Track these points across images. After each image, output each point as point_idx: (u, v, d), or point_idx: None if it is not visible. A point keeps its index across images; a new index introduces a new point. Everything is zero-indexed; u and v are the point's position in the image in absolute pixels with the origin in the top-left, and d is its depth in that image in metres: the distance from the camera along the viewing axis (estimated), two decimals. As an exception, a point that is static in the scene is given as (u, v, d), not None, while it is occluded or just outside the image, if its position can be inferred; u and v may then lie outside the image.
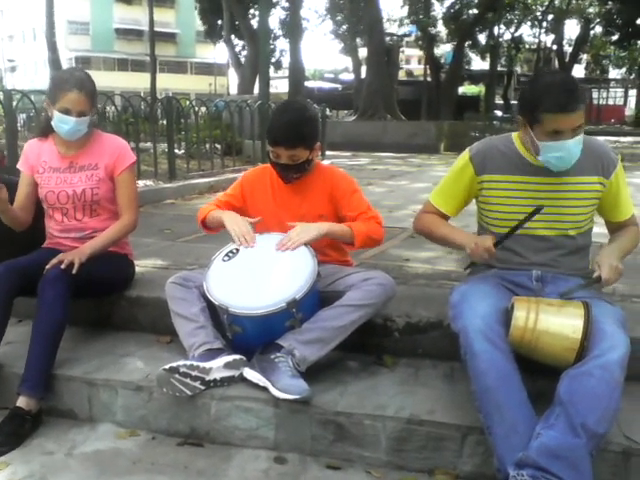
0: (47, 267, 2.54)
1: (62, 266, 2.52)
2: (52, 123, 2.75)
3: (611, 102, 45.34)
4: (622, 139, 22.70)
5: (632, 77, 45.93)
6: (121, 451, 2.29)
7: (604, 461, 1.97)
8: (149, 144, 7.87)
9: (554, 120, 2.12)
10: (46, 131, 2.88)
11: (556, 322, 2.05)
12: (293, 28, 19.23)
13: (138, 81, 41.82)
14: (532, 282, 2.35)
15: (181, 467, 2.19)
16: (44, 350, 2.44)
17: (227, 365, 2.35)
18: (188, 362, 2.33)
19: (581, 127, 2.16)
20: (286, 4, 27.66)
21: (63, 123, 2.70)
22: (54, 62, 23.21)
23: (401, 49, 34.90)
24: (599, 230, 2.52)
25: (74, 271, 2.53)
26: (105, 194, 2.86)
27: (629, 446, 1.99)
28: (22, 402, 2.36)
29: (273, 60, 32.09)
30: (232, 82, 42.57)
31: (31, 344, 2.44)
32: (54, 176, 2.83)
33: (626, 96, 47.06)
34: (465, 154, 2.47)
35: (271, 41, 28.90)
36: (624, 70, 47.42)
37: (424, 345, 2.63)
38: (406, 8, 33.55)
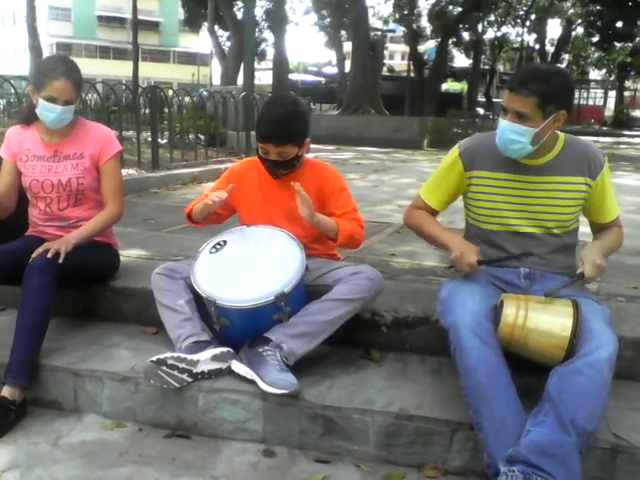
0: (33, 256, 2.51)
1: (48, 255, 2.48)
2: (37, 111, 2.69)
3: (591, 102, 45.75)
4: (602, 139, 22.88)
5: (612, 78, 46.42)
6: (107, 442, 2.26)
7: (592, 457, 1.99)
8: (131, 133, 7.79)
9: (505, 96, 2.23)
10: (29, 118, 2.83)
11: (545, 320, 2.06)
12: (277, 20, 19.13)
13: (120, 69, 41.39)
14: (520, 280, 2.36)
15: (169, 459, 2.17)
16: (29, 340, 2.41)
17: (215, 358, 2.34)
18: (175, 354, 2.31)
19: (524, 118, 2.17)
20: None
21: (49, 111, 2.65)
22: (35, 48, 22.85)
23: (385, 45, 34.93)
24: (584, 229, 2.54)
25: (60, 260, 2.49)
26: (90, 184, 2.82)
27: (616, 443, 2.01)
28: (6, 392, 2.33)
29: (257, 51, 31.96)
30: (215, 72, 42.30)
31: (16, 333, 2.41)
32: (38, 164, 2.78)
33: (606, 97, 47.55)
34: (455, 150, 2.48)
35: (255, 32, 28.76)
36: (604, 71, 47.90)
37: (412, 340, 2.63)
38: (390, 4, 33.63)
